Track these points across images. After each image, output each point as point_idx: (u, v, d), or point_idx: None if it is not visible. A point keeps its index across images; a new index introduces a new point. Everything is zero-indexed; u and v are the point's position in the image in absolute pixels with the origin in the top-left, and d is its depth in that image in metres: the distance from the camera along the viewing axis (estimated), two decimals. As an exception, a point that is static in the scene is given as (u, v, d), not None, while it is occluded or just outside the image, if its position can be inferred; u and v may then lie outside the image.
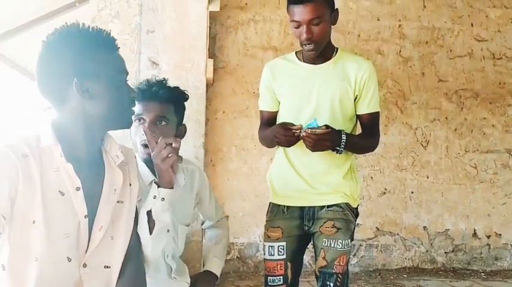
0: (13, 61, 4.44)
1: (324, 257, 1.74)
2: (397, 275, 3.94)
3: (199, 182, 1.82)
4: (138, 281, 1.33)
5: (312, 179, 1.79)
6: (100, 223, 1.23)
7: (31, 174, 1.14)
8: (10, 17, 3.75)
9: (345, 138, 1.70)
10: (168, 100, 1.63)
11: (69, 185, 1.19)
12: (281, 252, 1.79)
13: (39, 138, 1.19)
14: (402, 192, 4.12)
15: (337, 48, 1.83)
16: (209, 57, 3.18)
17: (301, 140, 1.69)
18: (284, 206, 1.83)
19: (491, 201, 4.17)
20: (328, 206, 1.77)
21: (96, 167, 1.26)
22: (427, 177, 4.13)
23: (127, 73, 1.30)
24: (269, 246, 1.81)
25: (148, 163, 1.55)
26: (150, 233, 1.36)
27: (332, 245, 1.74)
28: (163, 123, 1.61)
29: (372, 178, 4.05)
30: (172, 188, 1.39)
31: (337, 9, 1.76)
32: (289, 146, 1.75)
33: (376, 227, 4.08)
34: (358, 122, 1.86)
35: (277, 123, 1.85)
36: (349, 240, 1.76)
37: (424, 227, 4.13)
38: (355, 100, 1.80)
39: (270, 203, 1.88)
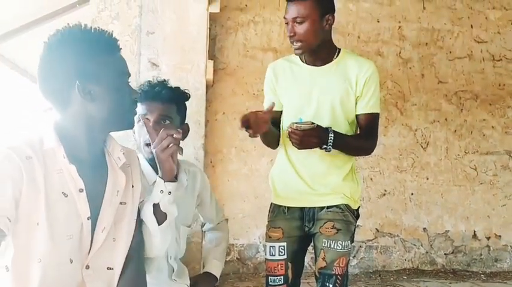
0: (13, 62, 4.44)
1: (323, 258, 1.74)
2: (397, 277, 3.94)
3: (201, 184, 1.83)
4: (139, 282, 1.33)
5: (312, 181, 1.80)
6: (103, 224, 1.24)
7: (35, 176, 1.14)
8: (10, 18, 3.75)
9: (332, 135, 1.66)
10: (170, 100, 1.66)
11: (72, 187, 1.19)
12: (282, 252, 1.80)
13: (42, 141, 1.19)
14: (402, 193, 4.12)
15: (340, 50, 1.82)
16: (209, 59, 3.18)
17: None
18: (285, 207, 1.83)
19: (491, 202, 4.17)
20: (328, 207, 1.77)
21: (98, 168, 1.26)
22: (427, 178, 4.13)
23: (129, 74, 1.30)
24: (270, 246, 1.82)
25: (152, 162, 1.56)
26: (159, 224, 1.38)
27: (332, 246, 1.74)
28: (167, 122, 1.63)
29: (371, 179, 4.05)
30: (175, 179, 1.40)
31: (333, 13, 1.74)
32: (259, 132, 1.66)
33: (376, 229, 4.08)
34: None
35: (280, 124, 1.86)
36: (349, 241, 1.76)
37: (424, 228, 4.13)
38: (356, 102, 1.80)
39: (272, 203, 1.89)
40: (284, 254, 1.80)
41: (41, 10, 3.75)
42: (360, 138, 1.80)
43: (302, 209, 1.81)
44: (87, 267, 1.22)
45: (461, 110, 4.15)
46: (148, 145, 1.61)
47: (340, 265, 1.72)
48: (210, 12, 2.72)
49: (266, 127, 1.68)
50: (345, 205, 1.78)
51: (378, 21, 4.09)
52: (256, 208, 3.91)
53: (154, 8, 2.27)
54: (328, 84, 1.77)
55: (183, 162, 1.80)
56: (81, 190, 1.20)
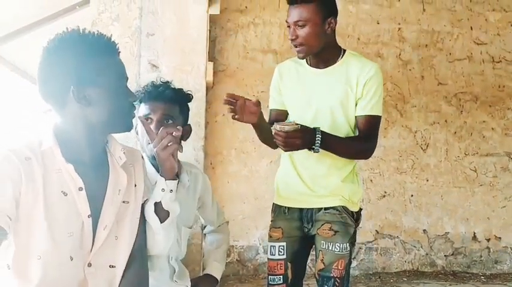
0: (13, 64, 4.45)
1: (322, 260, 1.74)
2: (396, 279, 3.93)
3: (202, 186, 1.84)
4: (141, 282, 1.34)
5: (312, 182, 1.80)
6: (104, 222, 1.25)
7: (34, 176, 1.17)
8: (10, 19, 3.75)
9: (319, 136, 1.62)
10: (173, 100, 1.68)
11: (72, 186, 1.21)
12: (281, 252, 1.81)
13: (41, 142, 1.22)
14: (402, 195, 4.12)
15: (345, 51, 1.80)
16: (209, 60, 3.18)
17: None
18: (285, 207, 1.84)
19: (491, 204, 4.17)
20: (326, 209, 1.78)
21: (100, 168, 1.28)
22: (427, 180, 4.13)
23: (127, 78, 1.31)
24: (271, 246, 1.84)
25: (155, 161, 1.57)
26: (161, 222, 1.39)
27: (330, 248, 1.74)
28: (170, 122, 1.64)
29: (371, 180, 4.05)
30: (176, 177, 1.41)
31: (335, 17, 1.74)
32: (244, 120, 1.68)
33: (376, 230, 4.08)
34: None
35: None
36: (347, 244, 1.75)
37: (424, 230, 4.13)
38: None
39: (273, 204, 1.90)
40: (284, 254, 1.81)
41: (41, 12, 3.75)
42: (356, 140, 1.77)
43: (301, 210, 1.82)
44: (89, 265, 1.24)
45: (461, 111, 4.16)
46: (150, 143, 1.62)
47: (339, 268, 1.72)
48: (210, 14, 2.72)
49: (254, 119, 1.68)
50: (343, 206, 1.78)
51: (378, 23, 4.09)
52: (256, 209, 3.91)
53: (154, 10, 2.27)
54: (329, 87, 1.77)
55: (184, 163, 1.81)
56: (80, 189, 1.22)
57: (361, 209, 1.86)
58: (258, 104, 1.69)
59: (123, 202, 1.30)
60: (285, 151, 1.66)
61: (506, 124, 4.19)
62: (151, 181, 1.61)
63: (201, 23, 2.31)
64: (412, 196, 4.12)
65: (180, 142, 1.62)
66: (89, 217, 1.22)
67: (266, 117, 1.83)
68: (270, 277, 1.82)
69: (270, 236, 1.85)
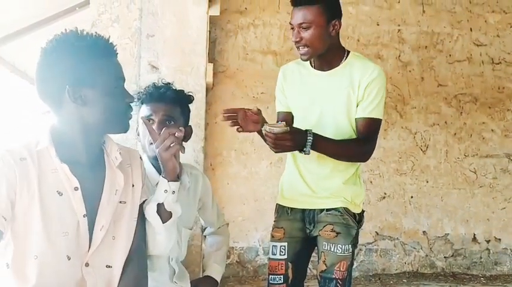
0: (13, 65, 4.45)
1: (324, 261, 1.74)
2: (396, 280, 3.93)
3: (203, 187, 1.84)
4: (140, 282, 1.34)
5: (315, 184, 1.80)
6: (101, 222, 1.26)
7: (29, 176, 1.18)
8: (10, 20, 3.75)
9: (311, 138, 1.61)
10: (174, 101, 1.69)
11: (68, 186, 1.22)
12: (282, 252, 1.81)
13: (38, 142, 1.23)
14: (402, 196, 4.12)
15: (348, 53, 1.80)
16: (209, 62, 3.18)
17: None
18: (288, 207, 1.85)
19: (491, 206, 4.17)
20: (328, 210, 1.78)
21: (97, 168, 1.28)
22: (427, 181, 4.13)
23: (124, 79, 1.32)
24: (272, 245, 1.84)
25: (156, 162, 1.57)
26: (163, 222, 1.39)
27: (332, 250, 1.74)
28: (171, 123, 1.64)
29: (371, 182, 4.05)
30: (178, 178, 1.41)
31: (339, 18, 1.73)
32: (248, 130, 1.72)
33: (376, 232, 4.08)
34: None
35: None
36: (349, 245, 1.75)
37: (424, 231, 4.13)
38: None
39: (277, 204, 1.90)
40: (285, 254, 1.81)
41: (41, 13, 3.75)
42: (354, 143, 1.75)
43: (304, 211, 1.82)
44: (87, 265, 1.24)
45: (461, 113, 4.16)
46: (152, 143, 1.62)
47: (341, 269, 1.72)
48: (210, 15, 2.72)
49: (257, 127, 1.69)
50: (344, 208, 1.77)
51: (378, 25, 4.10)
52: (256, 211, 3.91)
53: (154, 11, 2.27)
54: (332, 90, 1.76)
55: (185, 165, 1.81)
56: (76, 188, 1.22)
57: (363, 211, 1.86)
58: (259, 112, 1.70)
59: (120, 202, 1.30)
60: (275, 152, 1.65)
61: (505, 126, 4.19)
62: (153, 181, 1.61)
63: (201, 24, 2.31)
64: (412, 197, 4.12)
65: (182, 143, 1.62)
66: (84, 217, 1.23)
67: (268, 116, 1.84)
68: (270, 276, 1.82)
69: (272, 236, 1.86)
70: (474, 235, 4.15)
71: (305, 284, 1.92)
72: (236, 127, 1.71)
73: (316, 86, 1.78)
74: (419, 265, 4.12)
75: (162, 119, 1.65)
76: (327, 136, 1.70)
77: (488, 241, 4.16)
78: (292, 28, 1.71)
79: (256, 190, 3.92)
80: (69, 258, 1.21)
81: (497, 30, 4.18)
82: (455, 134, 4.16)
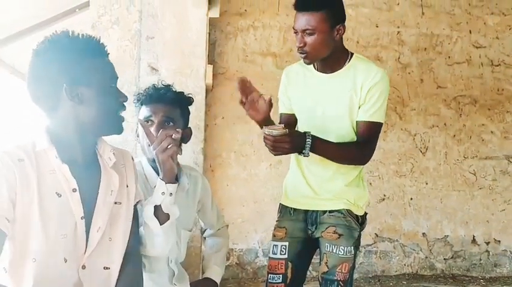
0: (12, 66, 4.45)
1: (325, 263, 1.74)
2: (396, 282, 3.93)
3: (202, 189, 1.84)
4: (136, 283, 1.35)
5: (318, 186, 1.81)
6: (97, 224, 1.26)
7: (28, 177, 1.18)
8: (9, 22, 3.76)
9: (309, 141, 1.61)
10: (174, 103, 1.69)
11: (66, 187, 1.22)
12: (283, 251, 1.81)
13: (34, 144, 1.23)
14: (401, 198, 4.12)
15: (352, 56, 1.79)
16: (209, 63, 3.19)
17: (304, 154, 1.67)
18: (291, 208, 1.86)
19: (490, 207, 4.17)
20: (330, 212, 1.78)
21: (91, 169, 1.29)
22: (426, 183, 4.13)
23: (116, 78, 1.32)
24: (273, 245, 1.85)
25: (154, 163, 1.57)
26: (161, 224, 1.40)
27: (334, 251, 1.74)
28: (171, 124, 1.64)
29: (370, 184, 4.05)
30: (176, 180, 1.42)
31: (344, 24, 1.72)
32: (251, 115, 1.70)
33: (375, 234, 4.08)
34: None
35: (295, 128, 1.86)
36: (351, 247, 1.74)
37: (423, 233, 4.13)
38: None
39: (280, 204, 1.91)
40: (285, 254, 1.81)
41: (41, 15, 3.76)
42: (353, 146, 1.74)
43: (306, 211, 1.83)
44: (83, 267, 1.24)
45: (460, 115, 4.16)
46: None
47: (343, 271, 1.72)
48: (209, 17, 2.73)
49: (262, 117, 1.68)
50: (347, 210, 1.78)
51: (377, 27, 4.10)
52: (255, 212, 3.91)
53: (154, 13, 2.28)
54: (336, 92, 1.76)
55: (184, 166, 1.81)
56: (74, 190, 1.22)
57: (366, 214, 1.86)
58: (270, 104, 1.68)
59: (116, 203, 1.31)
60: (275, 154, 1.65)
61: (505, 127, 4.19)
62: (152, 183, 1.62)
63: (200, 26, 2.32)
64: (411, 199, 4.12)
65: (180, 145, 1.62)
66: (82, 219, 1.23)
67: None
68: (269, 275, 1.82)
69: (274, 235, 1.86)
70: (474, 236, 4.15)
71: (304, 286, 1.92)
72: (243, 105, 1.68)
73: (320, 89, 1.78)
74: (419, 266, 4.12)
75: (161, 120, 1.65)
76: (329, 139, 1.70)
77: (487, 243, 4.16)
78: (296, 32, 1.70)
79: (255, 191, 3.92)
80: (66, 260, 1.21)
81: (496, 32, 4.18)
82: (454, 136, 4.16)
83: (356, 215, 1.80)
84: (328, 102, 1.76)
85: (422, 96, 4.14)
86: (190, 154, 2.22)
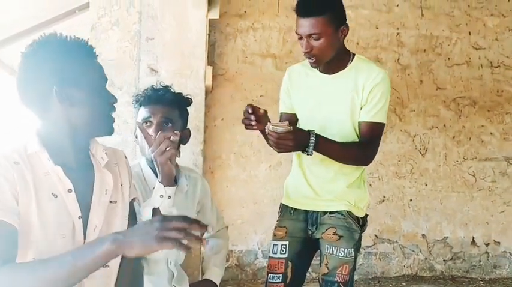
0: (12, 68, 4.45)
1: (326, 264, 1.74)
2: (396, 283, 3.93)
3: (202, 190, 1.84)
4: (136, 280, 1.36)
5: (319, 187, 1.81)
6: (94, 223, 1.26)
7: (25, 179, 1.18)
8: (9, 23, 3.76)
9: (313, 139, 1.61)
10: (173, 104, 1.69)
11: (61, 188, 1.22)
12: (283, 251, 1.81)
13: (26, 147, 1.23)
14: (401, 199, 4.12)
15: (354, 56, 1.79)
16: (208, 65, 3.19)
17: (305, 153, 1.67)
18: (292, 207, 1.86)
19: (490, 209, 4.17)
20: (331, 213, 1.78)
21: (85, 170, 1.29)
22: (426, 184, 4.13)
23: (106, 79, 1.33)
24: (273, 244, 1.85)
25: (153, 165, 1.57)
26: None
27: (334, 253, 1.74)
28: (170, 125, 1.64)
29: (370, 185, 4.05)
30: (175, 182, 1.42)
31: (347, 24, 1.72)
32: (245, 127, 1.68)
33: (375, 235, 4.08)
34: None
35: None
36: (352, 249, 1.74)
37: (423, 234, 4.12)
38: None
39: (281, 204, 1.91)
40: (285, 253, 1.81)
41: (40, 16, 3.76)
42: (355, 147, 1.75)
43: (307, 212, 1.83)
44: None
45: (460, 116, 4.16)
46: None
47: (343, 273, 1.72)
48: (209, 19, 2.73)
49: (261, 127, 1.68)
50: (348, 211, 1.77)
51: (377, 28, 4.10)
52: (255, 214, 3.91)
53: (154, 14, 2.28)
54: (337, 93, 1.76)
55: (183, 168, 1.81)
56: (69, 190, 1.23)
57: (367, 215, 1.86)
58: (265, 115, 1.68)
59: (111, 201, 1.31)
60: (278, 151, 1.65)
61: (504, 129, 4.19)
62: (150, 184, 1.62)
63: (200, 27, 2.32)
64: (411, 200, 4.12)
65: (179, 146, 1.62)
66: (79, 218, 1.24)
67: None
68: (269, 275, 1.82)
69: (274, 235, 1.87)
70: (473, 238, 4.15)
71: (304, 287, 1.92)
72: (251, 122, 1.66)
73: (322, 89, 1.78)
74: (419, 268, 4.11)
75: (160, 122, 1.65)
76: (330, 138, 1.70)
77: (487, 244, 4.16)
78: (300, 38, 1.69)
79: (255, 192, 3.92)
80: None
81: (496, 34, 4.19)
82: (454, 137, 4.16)
83: (356, 216, 1.80)
84: (330, 103, 1.77)
85: (422, 97, 4.14)
86: (189, 155, 2.22)
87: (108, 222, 1.29)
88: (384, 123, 1.78)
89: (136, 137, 1.76)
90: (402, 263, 4.10)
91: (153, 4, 2.28)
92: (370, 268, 4.07)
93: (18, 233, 1.13)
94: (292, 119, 1.87)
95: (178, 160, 1.69)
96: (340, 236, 1.74)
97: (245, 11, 4.00)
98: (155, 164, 1.40)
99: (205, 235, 2.04)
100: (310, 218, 1.82)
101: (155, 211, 1.39)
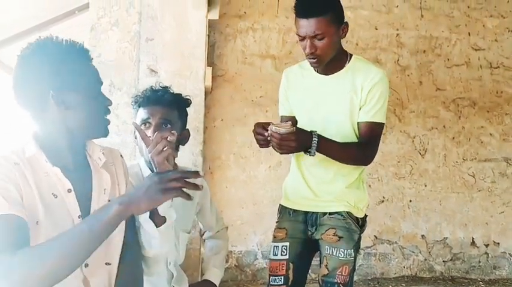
0: (11, 68, 4.45)
1: (326, 265, 1.74)
2: (395, 284, 3.93)
3: (201, 191, 1.83)
4: (137, 278, 1.37)
5: (318, 189, 1.81)
6: None
7: (26, 178, 1.19)
8: (9, 24, 3.76)
9: (316, 139, 1.61)
10: (172, 104, 1.69)
11: (61, 188, 1.24)
12: (284, 252, 1.81)
13: (23, 150, 1.24)
14: (400, 200, 4.11)
15: (351, 56, 1.79)
16: (208, 65, 3.19)
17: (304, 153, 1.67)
18: (291, 209, 1.86)
19: (489, 210, 4.17)
20: (330, 214, 1.78)
21: (83, 170, 1.31)
22: (425, 185, 4.13)
23: (101, 82, 1.34)
24: (274, 246, 1.84)
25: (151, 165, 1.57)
26: (157, 226, 1.40)
27: (334, 254, 1.73)
28: (168, 126, 1.64)
29: (370, 186, 4.04)
30: None
31: (346, 22, 1.73)
32: (260, 146, 1.68)
33: (375, 236, 4.08)
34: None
35: None
36: (352, 250, 1.74)
37: (422, 235, 4.12)
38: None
39: (280, 205, 1.90)
40: (286, 254, 1.80)
41: (40, 16, 3.76)
42: (356, 147, 1.75)
43: (306, 213, 1.82)
44: (86, 265, 1.26)
45: (459, 117, 4.17)
46: None
47: (343, 274, 1.71)
48: (209, 19, 2.73)
49: (264, 145, 1.67)
50: (347, 212, 1.77)
51: (376, 29, 4.11)
52: (255, 214, 3.90)
53: (153, 15, 2.28)
54: (336, 94, 1.76)
55: (183, 168, 1.81)
56: (69, 190, 1.24)
57: (366, 216, 1.86)
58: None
59: (109, 201, 1.32)
60: (280, 153, 1.65)
61: (504, 130, 4.19)
62: None
63: (200, 28, 2.32)
64: (410, 201, 4.12)
65: (178, 147, 1.62)
66: (79, 218, 1.24)
67: (266, 120, 1.83)
68: (271, 277, 1.82)
69: (274, 237, 1.86)
70: (473, 239, 4.15)
71: (304, 288, 1.91)
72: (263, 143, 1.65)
73: (320, 90, 1.78)
74: (418, 269, 4.11)
75: (159, 123, 1.65)
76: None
77: (487, 245, 4.16)
78: (302, 39, 1.68)
79: (255, 193, 3.92)
80: None
81: (495, 35, 4.19)
82: (453, 138, 4.16)
83: (356, 217, 1.79)
84: (329, 103, 1.76)
85: (422, 98, 4.14)
86: (189, 156, 2.22)
87: None
88: (383, 123, 1.78)
89: (136, 138, 1.76)
90: (402, 264, 4.10)
91: (152, 5, 2.28)
92: (370, 269, 4.07)
93: (27, 224, 1.14)
94: (292, 122, 1.86)
95: (177, 161, 1.69)
96: (340, 237, 1.74)
97: (245, 12, 4.00)
98: (152, 165, 1.40)
99: (206, 236, 2.04)
100: (310, 219, 1.81)
101: (153, 211, 1.39)
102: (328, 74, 1.78)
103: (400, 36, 4.13)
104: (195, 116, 2.22)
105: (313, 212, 1.81)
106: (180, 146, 1.72)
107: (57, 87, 1.22)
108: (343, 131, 1.75)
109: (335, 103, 1.76)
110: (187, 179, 1.15)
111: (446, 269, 4.12)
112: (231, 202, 3.92)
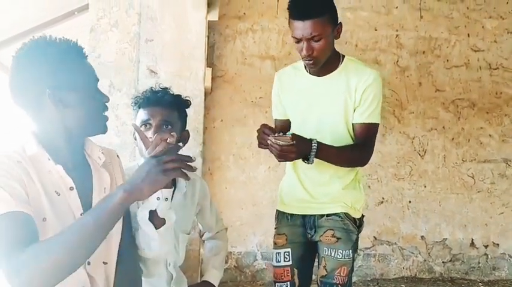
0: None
1: (324, 266, 1.74)
2: (395, 285, 3.93)
3: (201, 191, 1.84)
4: (134, 275, 1.38)
5: (314, 191, 1.81)
6: None
7: (30, 176, 1.19)
8: (9, 25, 3.76)
9: (315, 147, 1.62)
10: (172, 105, 1.69)
11: (63, 186, 1.24)
12: (287, 258, 1.81)
13: (24, 149, 1.24)
14: (400, 201, 4.12)
15: (344, 58, 1.79)
16: (207, 66, 3.19)
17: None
18: (288, 213, 1.85)
19: (489, 210, 4.17)
20: (328, 215, 1.78)
21: (83, 169, 1.32)
22: (425, 186, 4.13)
23: (97, 80, 1.34)
24: (276, 253, 1.84)
25: None
26: (156, 228, 1.40)
27: (332, 255, 1.73)
28: (169, 127, 1.64)
29: (369, 187, 4.05)
30: (173, 185, 1.42)
31: (340, 23, 1.73)
32: (259, 146, 1.69)
33: (374, 237, 4.08)
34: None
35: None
36: (350, 250, 1.74)
37: (422, 236, 4.12)
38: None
39: (277, 210, 1.90)
40: (289, 260, 1.80)
41: (40, 18, 3.76)
42: (352, 149, 1.75)
43: (304, 216, 1.82)
44: (88, 263, 1.26)
45: (459, 118, 4.17)
46: None
47: (341, 275, 1.72)
48: (208, 20, 2.73)
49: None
50: (344, 213, 1.77)
51: (376, 30, 4.11)
52: (254, 215, 3.90)
53: (153, 16, 2.28)
54: (329, 95, 1.76)
55: (182, 169, 1.80)
56: (71, 188, 1.25)
57: (363, 216, 1.86)
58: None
59: None
60: (279, 161, 1.66)
61: (503, 131, 4.20)
62: None
63: (199, 29, 2.32)
64: (410, 202, 4.12)
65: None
66: (81, 215, 1.25)
67: (266, 121, 1.83)
68: (276, 284, 1.81)
69: (275, 243, 1.86)
70: (472, 240, 4.15)
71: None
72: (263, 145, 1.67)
73: (313, 92, 1.78)
74: (418, 270, 4.11)
75: (159, 124, 1.65)
76: (323, 141, 1.70)
77: (486, 246, 4.16)
78: (298, 41, 1.68)
79: (254, 194, 3.92)
80: None
81: (494, 36, 4.19)
82: (453, 139, 4.16)
83: (353, 218, 1.79)
84: (322, 104, 1.76)
85: (421, 99, 4.14)
86: (189, 157, 2.21)
87: None
88: (378, 123, 1.78)
89: (135, 139, 1.76)
90: (401, 265, 4.10)
91: (152, 6, 2.28)
92: (369, 270, 4.07)
93: (34, 220, 1.14)
94: (286, 125, 1.87)
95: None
96: (338, 238, 1.74)
97: (244, 13, 4.00)
98: None
99: (205, 237, 2.04)
100: (308, 222, 1.81)
101: (152, 213, 1.39)
102: (321, 76, 1.78)
103: (399, 37, 4.13)
104: (194, 117, 2.22)
105: (310, 215, 1.81)
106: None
107: (54, 86, 1.23)
108: (337, 132, 1.75)
109: (329, 104, 1.76)
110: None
111: (446, 270, 4.12)
112: (231, 203, 3.92)
